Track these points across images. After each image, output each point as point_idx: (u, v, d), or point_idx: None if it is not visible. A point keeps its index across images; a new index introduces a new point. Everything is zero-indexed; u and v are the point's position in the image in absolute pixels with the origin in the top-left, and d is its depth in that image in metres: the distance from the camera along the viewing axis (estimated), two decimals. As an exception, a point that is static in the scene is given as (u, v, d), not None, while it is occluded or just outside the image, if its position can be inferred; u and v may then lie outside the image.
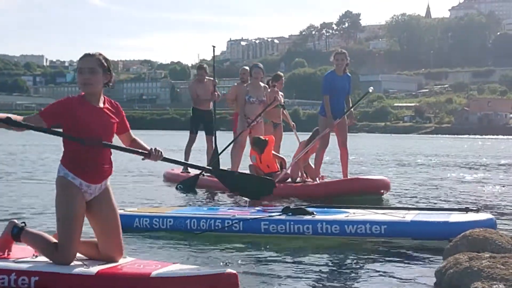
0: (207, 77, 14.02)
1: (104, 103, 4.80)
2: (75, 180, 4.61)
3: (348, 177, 11.01)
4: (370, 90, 10.90)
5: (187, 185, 11.53)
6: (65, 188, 4.62)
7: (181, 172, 13.26)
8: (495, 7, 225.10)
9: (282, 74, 13.68)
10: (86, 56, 4.73)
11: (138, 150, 4.89)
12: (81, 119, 4.59)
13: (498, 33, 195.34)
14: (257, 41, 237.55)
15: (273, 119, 12.78)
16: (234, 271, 4.44)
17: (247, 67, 13.58)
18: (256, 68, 12.51)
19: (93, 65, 4.67)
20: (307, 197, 10.32)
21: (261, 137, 11.54)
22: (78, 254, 4.73)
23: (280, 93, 13.03)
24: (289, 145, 15.88)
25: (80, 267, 4.53)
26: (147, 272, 4.36)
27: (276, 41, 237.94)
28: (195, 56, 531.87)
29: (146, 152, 4.84)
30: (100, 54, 4.77)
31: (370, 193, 10.21)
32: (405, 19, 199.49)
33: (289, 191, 10.66)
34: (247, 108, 12.17)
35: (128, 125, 5.01)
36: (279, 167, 11.65)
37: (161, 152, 4.87)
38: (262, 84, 12.54)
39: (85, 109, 4.64)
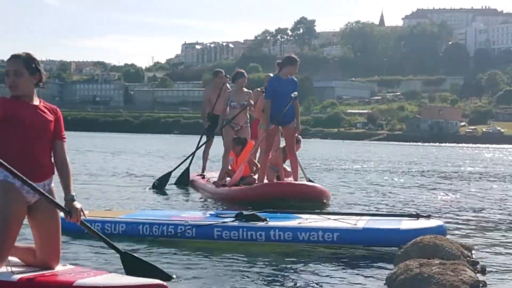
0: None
1: (40, 103, 4.61)
2: (16, 181, 4.39)
3: (274, 182, 10.90)
4: (293, 95, 10.71)
5: (159, 183, 11.88)
6: (6, 192, 4.40)
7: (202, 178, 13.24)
8: (447, 17, 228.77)
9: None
10: (12, 58, 4.58)
11: (57, 203, 4.56)
12: (16, 114, 4.43)
13: (450, 43, 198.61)
14: (212, 45, 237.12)
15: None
16: (163, 282, 4.31)
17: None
18: (241, 75, 12.61)
19: (18, 67, 4.53)
20: (231, 200, 10.53)
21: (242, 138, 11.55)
22: (15, 260, 4.60)
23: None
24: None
25: (4, 272, 4.37)
26: (71, 281, 4.25)
27: (231, 45, 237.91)
28: (149, 59, 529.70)
29: (66, 210, 4.53)
30: (27, 54, 4.61)
31: (302, 199, 9.96)
32: (359, 27, 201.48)
33: (221, 195, 10.92)
34: (229, 113, 12.28)
35: (64, 135, 4.69)
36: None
37: (82, 213, 4.58)
38: (245, 90, 12.56)
39: (20, 106, 4.48)
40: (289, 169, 11.31)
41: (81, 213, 4.56)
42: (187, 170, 13.60)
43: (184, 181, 13.42)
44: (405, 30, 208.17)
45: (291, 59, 11.12)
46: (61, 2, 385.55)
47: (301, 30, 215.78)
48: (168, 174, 13.16)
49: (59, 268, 4.62)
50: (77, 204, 4.53)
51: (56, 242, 4.61)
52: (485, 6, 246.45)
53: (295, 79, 11.14)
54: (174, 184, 13.28)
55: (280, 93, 10.73)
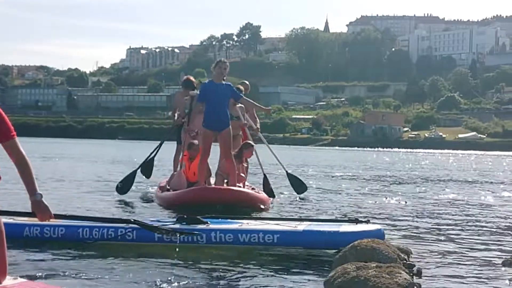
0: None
1: None
2: None
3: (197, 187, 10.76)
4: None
5: (122, 186, 11.79)
6: None
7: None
8: (390, 24, 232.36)
9: (240, 86, 13.34)
10: None
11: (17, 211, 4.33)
12: None
13: (393, 49, 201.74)
14: (157, 50, 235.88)
15: None
16: None
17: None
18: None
19: None
20: (169, 204, 10.57)
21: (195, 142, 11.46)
22: None
23: (240, 105, 12.85)
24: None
25: None
26: None
27: (176, 50, 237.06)
28: (93, 63, 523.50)
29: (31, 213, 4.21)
30: None
31: (231, 204, 9.79)
32: (304, 33, 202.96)
33: (161, 199, 11.02)
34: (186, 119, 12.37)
35: (13, 133, 4.24)
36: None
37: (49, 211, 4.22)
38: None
39: None
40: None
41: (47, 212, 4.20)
42: (151, 161, 13.23)
43: (147, 174, 13.22)
44: (349, 36, 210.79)
45: (218, 61, 11.06)
46: (2, 5, 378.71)
47: (247, 36, 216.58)
48: (131, 176, 12.76)
49: (7, 282, 4.07)
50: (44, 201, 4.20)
51: (2, 252, 4.07)
52: (428, 14, 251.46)
53: (229, 83, 10.97)
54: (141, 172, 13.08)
55: (212, 97, 10.63)
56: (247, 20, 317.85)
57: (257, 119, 13.23)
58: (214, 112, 10.61)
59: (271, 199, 11.88)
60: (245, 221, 7.31)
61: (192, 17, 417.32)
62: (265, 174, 12.76)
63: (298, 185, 13.60)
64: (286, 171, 13.74)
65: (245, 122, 12.33)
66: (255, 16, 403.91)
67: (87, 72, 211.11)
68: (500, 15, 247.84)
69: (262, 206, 10.44)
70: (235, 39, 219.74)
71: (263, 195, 11.14)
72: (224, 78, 10.84)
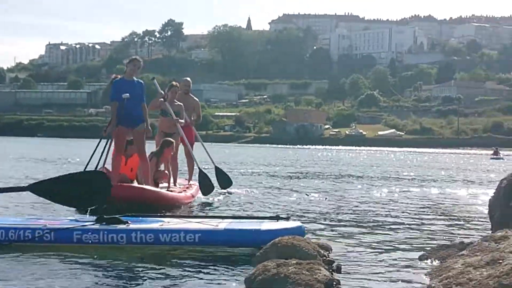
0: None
1: None
2: None
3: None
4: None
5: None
6: None
7: None
8: (312, 22, 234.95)
9: (175, 84, 13.23)
10: None
11: None
12: None
13: (315, 48, 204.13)
14: (77, 46, 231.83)
15: (163, 129, 12.62)
16: None
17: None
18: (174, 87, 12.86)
19: None
20: None
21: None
22: None
23: (178, 102, 12.74)
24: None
25: None
26: None
27: (97, 46, 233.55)
28: (11, 59, 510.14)
29: None
30: None
31: (134, 202, 9.56)
32: (226, 30, 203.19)
33: None
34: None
35: None
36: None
37: None
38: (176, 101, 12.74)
39: None
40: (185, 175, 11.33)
41: None
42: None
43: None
44: (271, 34, 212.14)
45: (132, 59, 10.99)
46: None
47: (169, 33, 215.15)
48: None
49: None
50: None
51: None
52: (348, 13, 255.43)
53: (141, 81, 10.90)
54: None
55: (123, 94, 10.50)
56: (169, 17, 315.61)
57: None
58: (126, 109, 10.48)
59: (196, 197, 11.93)
60: (166, 220, 7.25)
61: (114, 13, 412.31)
62: (201, 169, 12.67)
63: (224, 180, 13.65)
64: (215, 166, 13.79)
65: (181, 120, 12.36)
66: (178, 13, 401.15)
67: (5, 68, 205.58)
68: (418, 15, 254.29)
69: (177, 204, 10.41)
70: (157, 35, 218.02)
71: (177, 194, 11.09)
72: (136, 75, 10.80)
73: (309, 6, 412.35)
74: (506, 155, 59.01)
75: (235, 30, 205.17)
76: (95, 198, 7.26)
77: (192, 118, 13.30)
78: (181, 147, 13.11)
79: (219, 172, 13.83)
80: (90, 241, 6.66)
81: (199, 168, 12.73)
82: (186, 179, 13.41)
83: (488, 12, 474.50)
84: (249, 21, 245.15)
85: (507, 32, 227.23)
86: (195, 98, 13.85)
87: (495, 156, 53.05)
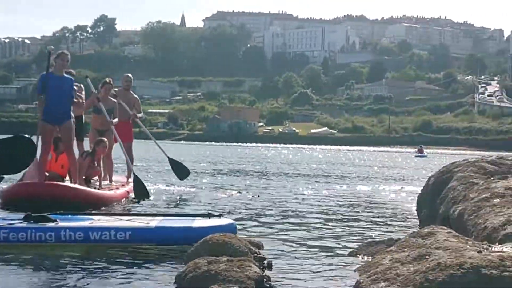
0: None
1: None
2: None
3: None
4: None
5: None
6: None
7: None
8: (246, 20, 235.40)
9: (108, 80, 12.99)
10: None
11: None
12: None
13: (249, 45, 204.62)
14: (6, 40, 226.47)
15: (95, 127, 12.43)
16: None
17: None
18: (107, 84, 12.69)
19: None
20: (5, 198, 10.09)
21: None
22: None
23: (112, 99, 12.59)
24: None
25: None
26: None
27: (27, 41, 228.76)
28: None
29: None
30: None
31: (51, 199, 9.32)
32: (160, 27, 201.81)
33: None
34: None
35: None
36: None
37: None
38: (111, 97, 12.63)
39: None
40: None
41: None
42: None
43: None
44: (205, 31, 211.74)
45: (59, 53, 10.69)
46: None
47: (101, 28, 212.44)
48: None
49: None
50: None
51: None
52: (282, 11, 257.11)
53: (70, 77, 10.67)
54: None
55: (52, 90, 10.26)
56: (101, 12, 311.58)
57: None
58: (53, 105, 10.28)
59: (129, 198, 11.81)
60: (96, 218, 7.16)
61: (44, 7, 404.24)
62: (135, 174, 12.51)
63: (181, 171, 13.53)
64: (168, 157, 13.72)
65: (111, 120, 12.21)
66: (110, 8, 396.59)
67: None
68: (351, 14, 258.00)
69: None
70: (89, 31, 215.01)
71: (106, 192, 10.96)
72: (65, 70, 10.60)
73: (243, 4, 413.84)
74: (430, 153, 62.75)
75: (169, 27, 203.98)
76: (21, 161, 7.10)
77: (132, 112, 13.25)
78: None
79: (173, 164, 13.73)
80: (17, 240, 6.51)
81: (133, 173, 12.66)
82: (126, 176, 13.29)
83: (418, 13, 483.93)
84: (183, 17, 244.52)
85: (436, 33, 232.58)
86: (135, 95, 13.77)
87: (419, 154, 56.78)
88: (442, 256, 4.23)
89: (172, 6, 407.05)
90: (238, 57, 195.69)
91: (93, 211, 8.71)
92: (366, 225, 9.31)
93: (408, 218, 10.13)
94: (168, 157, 13.83)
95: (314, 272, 5.84)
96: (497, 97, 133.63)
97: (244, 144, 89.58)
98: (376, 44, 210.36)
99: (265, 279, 4.79)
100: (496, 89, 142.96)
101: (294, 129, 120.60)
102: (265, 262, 5.81)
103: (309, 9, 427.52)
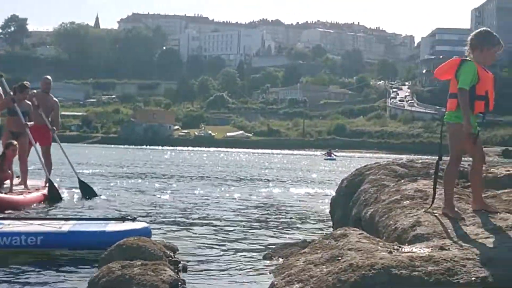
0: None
1: None
2: None
3: None
4: None
5: None
6: None
7: None
8: (161, 22, 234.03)
9: (27, 84, 12.59)
10: None
11: None
12: None
13: (164, 48, 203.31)
14: None
15: (10, 129, 12.06)
16: None
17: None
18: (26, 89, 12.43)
19: None
20: None
21: None
22: None
23: (27, 101, 12.27)
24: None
25: None
26: None
27: None
28: None
29: None
30: None
31: None
32: (73, 28, 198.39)
33: None
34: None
35: None
36: None
37: None
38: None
39: None
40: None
41: None
42: None
43: None
44: (120, 33, 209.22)
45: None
46: None
47: (12, 28, 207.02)
48: None
49: None
50: None
51: None
52: (198, 14, 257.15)
53: None
54: None
55: None
56: (12, 12, 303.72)
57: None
58: None
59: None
60: (6, 222, 6.96)
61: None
62: (49, 179, 12.21)
63: (88, 192, 13.15)
64: (79, 178, 13.31)
65: (26, 122, 11.93)
66: (21, 8, 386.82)
67: None
68: (266, 19, 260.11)
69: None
70: (0, 31, 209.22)
71: (15, 196, 10.70)
72: None
73: (159, 6, 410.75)
74: (343, 156, 65.59)
75: (82, 28, 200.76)
76: None
77: (49, 119, 12.93)
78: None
79: (83, 186, 13.28)
80: None
81: (78, 177, 12.44)
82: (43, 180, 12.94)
83: (332, 18, 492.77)
84: (97, 19, 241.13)
85: (350, 38, 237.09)
86: (54, 98, 13.46)
87: (328, 157, 59.04)
88: (354, 257, 4.31)
89: (86, 7, 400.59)
90: (154, 59, 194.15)
91: (3, 216, 8.48)
92: (281, 227, 9.39)
93: (322, 220, 10.28)
94: (78, 178, 13.44)
95: (229, 275, 5.86)
96: (408, 102, 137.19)
97: (160, 148, 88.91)
98: (291, 49, 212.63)
99: (180, 283, 4.78)
100: (407, 94, 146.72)
101: (210, 132, 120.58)
102: (180, 265, 5.80)
103: (225, 13, 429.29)
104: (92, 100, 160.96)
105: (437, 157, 5.83)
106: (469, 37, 5.47)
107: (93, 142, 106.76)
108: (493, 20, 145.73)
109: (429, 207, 5.56)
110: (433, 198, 5.65)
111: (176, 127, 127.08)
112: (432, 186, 5.78)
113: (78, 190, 13.30)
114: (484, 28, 5.56)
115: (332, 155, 60.95)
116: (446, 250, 4.36)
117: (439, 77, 5.76)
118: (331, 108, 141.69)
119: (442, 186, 5.57)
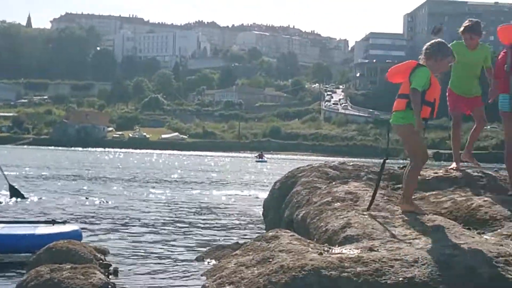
0: None
1: None
2: None
3: None
4: None
5: None
6: None
7: None
8: (95, 22, 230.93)
9: None
10: None
11: None
12: None
13: (98, 48, 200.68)
14: None
15: None
16: None
17: None
18: None
19: None
20: None
21: None
22: None
23: None
24: None
25: None
26: None
27: None
28: None
29: None
30: None
31: None
32: (4, 27, 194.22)
33: None
34: None
35: None
36: None
37: None
38: None
39: None
40: None
41: None
42: None
43: None
44: (53, 33, 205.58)
45: None
46: None
47: None
48: None
49: None
50: None
51: None
52: (133, 15, 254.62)
53: None
54: None
55: None
56: None
57: None
58: None
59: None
60: None
61: None
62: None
63: (16, 194, 12.82)
64: (7, 181, 12.99)
65: None
66: None
67: None
68: (202, 20, 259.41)
69: None
70: None
71: None
72: None
73: (93, 6, 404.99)
74: (270, 158, 66.72)
75: (14, 27, 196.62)
76: None
77: None
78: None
79: (12, 190, 12.93)
80: None
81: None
82: None
83: (268, 21, 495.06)
84: (29, 18, 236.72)
85: (285, 41, 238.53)
86: None
87: (260, 159, 59.95)
88: (285, 259, 4.34)
89: (18, 6, 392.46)
90: (87, 60, 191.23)
91: None
92: (214, 229, 9.39)
93: (255, 222, 10.32)
94: (7, 181, 13.12)
95: (161, 277, 5.83)
96: (342, 105, 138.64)
97: (93, 149, 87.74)
98: (227, 51, 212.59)
99: (110, 286, 4.73)
100: (341, 97, 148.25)
101: (144, 134, 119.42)
102: (111, 268, 5.74)
103: (160, 14, 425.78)
104: (23, 100, 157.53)
105: (383, 159, 5.89)
106: (424, 47, 5.62)
107: (24, 143, 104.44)
108: (424, 25, 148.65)
109: (368, 207, 5.63)
110: (373, 198, 5.71)
111: (110, 128, 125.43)
112: (365, 188, 5.85)
113: (7, 193, 13.03)
114: (439, 39, 5.68)
115: (264, 157, 61.74)
116: (375, 251, 4.43)
117: (391, 79, 5.84)
118: (266, 110, 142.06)
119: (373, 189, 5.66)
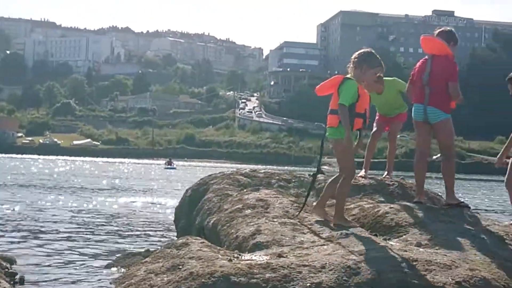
0: None
1: None
2: None
3: None
4: None
5: None
6: None
7: None
8: (5, 25, 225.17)
9: None
10: None
11: None
12: None
13: (8, 52, 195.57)
14: None
15: None
16: None
17: None
18: None
19: None
20: None
21: None
22: None
23: None
24: None
25: None
26: None
27: None
28: None
29: None
30: None
31: None
32: None
33: None
34: None
35: None
36: None
37: None
38: None
39: None
40: None
41: None
42: None
43: None
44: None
45: None
46: None
47: None
48: None
49: None
50: None
51: None
52: (44, 19, 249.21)
53: None
54: None
55: None
56: None
57: None
58: None
59: None
60: None
61: None
62: None
63: None
64: None
65: None
66: None
67: None
68: (116, 26, 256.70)
69: None
70: None
71: None
72: None
73: (2, 9, 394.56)
74: (182, 165, 67.76)
75: None
76: None
77: None
78: None
79: None
80: None
81: None
82: None
83: (183, 28, 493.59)
84: None
85: (200, 48, 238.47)
86: None
87: (168, 166, 60.16)
88: (195, 266, 4.35)
89: None
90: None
91: None
92: (124, 237, 9.31)
93: (167, 229, 10.28)
94: None
95: (69, 285, 5.74)
96: (256, 113, 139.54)
97: (1, 155, 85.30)
98: (141, 57, 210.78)
99: (15, 295, 4.62)
100: (256, 105, 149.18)
101: (55, 140, 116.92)
102: (17, 277, 5.61)
103: (73, 18, 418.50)
104: None
105: (315, 171, 5.97)
106: (353, 56, 5.61)
107: None
108: (337, 35, 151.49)
109: (298, 214, 5.69)
110: (303, 205, 5.79)
111: (20, 134, 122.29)
112: (275, 195, 5.91)
113: None
114: (368, 49, 5.69)
115: (173, 164, 61.95)
116: (284, 257, 4.48)
117: (320, 93, 5.84)
118: (180, 117, 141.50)
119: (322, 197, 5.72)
